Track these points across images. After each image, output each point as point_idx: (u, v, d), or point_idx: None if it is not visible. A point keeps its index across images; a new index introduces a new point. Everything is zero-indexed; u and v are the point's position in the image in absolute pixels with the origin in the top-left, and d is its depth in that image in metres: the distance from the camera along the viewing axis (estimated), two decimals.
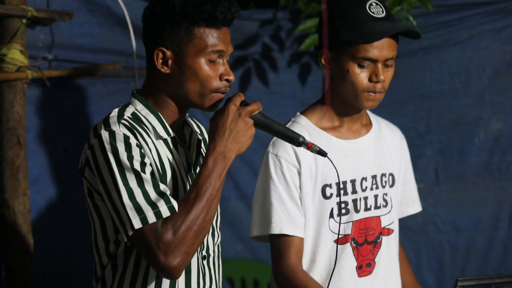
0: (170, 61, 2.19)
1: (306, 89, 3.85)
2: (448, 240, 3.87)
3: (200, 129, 2.45)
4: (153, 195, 2.09)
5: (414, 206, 2.88)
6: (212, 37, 2.18)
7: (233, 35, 2.28)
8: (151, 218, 2.08)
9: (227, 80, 2.20)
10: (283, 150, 2.58)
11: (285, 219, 2.55)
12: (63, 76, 3.38)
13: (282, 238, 2.56)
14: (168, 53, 2.18)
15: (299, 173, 2.59)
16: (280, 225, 2.56)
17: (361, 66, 2.52)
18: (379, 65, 2.52)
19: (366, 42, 2.49)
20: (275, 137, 2.56)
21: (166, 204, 2.09)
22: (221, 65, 2.20)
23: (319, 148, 2.20)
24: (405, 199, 2.84)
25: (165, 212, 2.09)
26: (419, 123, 3.85)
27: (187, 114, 2.35)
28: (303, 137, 2.20)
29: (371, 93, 2.54)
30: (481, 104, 3.81)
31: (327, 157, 2.22)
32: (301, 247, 2.58)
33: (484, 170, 3.83)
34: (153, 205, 2.07)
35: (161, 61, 2.19)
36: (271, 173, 2.57)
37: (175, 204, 2.10)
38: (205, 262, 2.30)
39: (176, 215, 2.08)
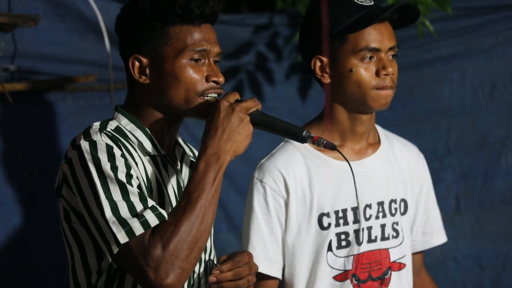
0: (148, 70, 2.15)
1: (307, 104, 3.77)
2: (471, 278, 3.80)
3: (193, 153, 2.39)
4: (139, 207, 2.01)
5: (439, 236, 2.80)
6: (191, 36, 2.14)
7: (223, 43, 2.24)
8: (138, 229, 1.99)
9: (215, 82, 2.15)
10: (269, 176, 2.55)
11: (262, 255, 2.54)
12: (27, 90, 3.31)
13: None
14: (145, 60, 2.15)
15: (286, 205, 2.55)
16: (256, 261, 2.50)
17: (364, 60, 2.50)
18: (383, 56, 2.51)
19: (363, 27, 2.46)
20: (262, 161, 2.56)
21: (153, 212, 2.01)
22: (207, 65, 2.16)
23: (326, 141, 2.14)
24: (429, 228, 2.77)
25: (153, 221, 2.00)
26: (437, 143, 3.80)
27: (180, 139, 2.31)
28: (307, 131, 2.14)
29: (382, 90, 2.51)
30: (509, 121, 3.77)
31: (337, 150, 2.18)
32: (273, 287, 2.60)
33: None
34: (139, 216, 2.00)
35: (138, 70, 2.16)
36: (253, 201, 2.56)
37: (164, 212, 2.03)
38: None
39: (165, 225, 2.00)
